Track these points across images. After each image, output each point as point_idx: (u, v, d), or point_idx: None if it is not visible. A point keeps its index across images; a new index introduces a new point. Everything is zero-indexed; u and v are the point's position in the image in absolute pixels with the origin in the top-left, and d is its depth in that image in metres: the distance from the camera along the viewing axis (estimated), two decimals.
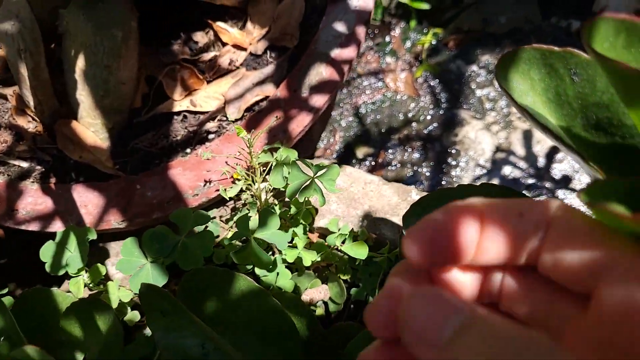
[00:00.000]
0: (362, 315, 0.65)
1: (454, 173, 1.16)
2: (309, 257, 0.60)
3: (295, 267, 0.63)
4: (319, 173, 0.54)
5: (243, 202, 0.66)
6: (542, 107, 0.35)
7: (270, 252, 0.63)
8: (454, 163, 1.16)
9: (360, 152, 1.20)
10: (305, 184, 0.54)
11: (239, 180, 0.59)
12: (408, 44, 1.30)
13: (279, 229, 0.56)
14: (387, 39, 1.31)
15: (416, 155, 1.19)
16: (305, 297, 0.59)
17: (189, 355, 0.43)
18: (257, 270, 0.60)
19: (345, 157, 1.21)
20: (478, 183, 0.49)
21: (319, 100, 0.65)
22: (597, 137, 0.33)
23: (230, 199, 0.66)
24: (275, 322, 0.47)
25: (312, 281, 0.62)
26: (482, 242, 0.21)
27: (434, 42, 1.28)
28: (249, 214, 0.63)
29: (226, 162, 0.63)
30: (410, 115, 1.22)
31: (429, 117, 1.21)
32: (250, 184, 0.60)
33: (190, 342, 0.42)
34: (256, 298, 0.47)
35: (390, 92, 1.26)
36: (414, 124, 1.21)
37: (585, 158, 0.29)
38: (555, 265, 0.20)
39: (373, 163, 1.20)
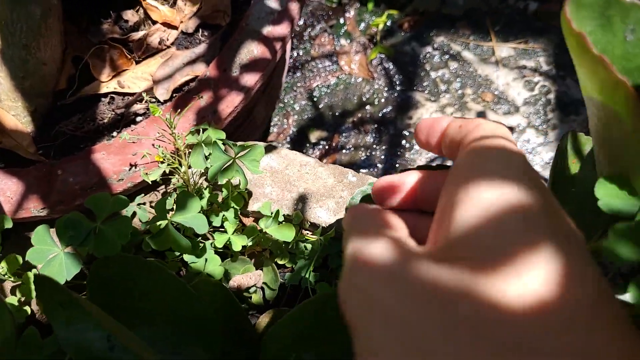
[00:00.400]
0: (299, 301, 0.64)
1: (409, 156, 1.15)
2: (239, 242, 0.58)
3: (229, 252, 0.61)
4: (241, 153, 0.51)
5: (173, 186, 0.63)
6: None
7: (201, 238, 0.60)
8: (408, 146, 1.15)
9: (314, 136, 1.18)
10: (226, 165, 0.51)
11: (162, 163, 0.56)
12: (362, 25, 1.27)
13: (206, 215, 0.54)
14: (342, 20, 1.28)
15: (370, 138, 1.17)
16: (233, 283, 0.57)
17: (93, 349, 0.40)
18: (186, 257, 0.58)
19: (299, 141, 1.18)
20: (434, 164, 0.48)
21: (250, 80, 0.63)
22: None
23: (158, 183, 0.63)
24: (191, 311, 0.45)
25: (245, 267, 0.60)
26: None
27: (388, 24, 1.26)
28: (174, 199, 0.60)
29: (153, 145, 0.60)
30: (364, 98, 1.20)
31: (383, 100, 1.19)
32: (177, 168, 0.58)
33: (94, 335, 0.40)
34: (170, 286, 0.44)
35: (345, 74, 1.24)
36: (368, 107, 1.20)
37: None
38: None
39: (327, 147, 1.18)
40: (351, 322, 0.22)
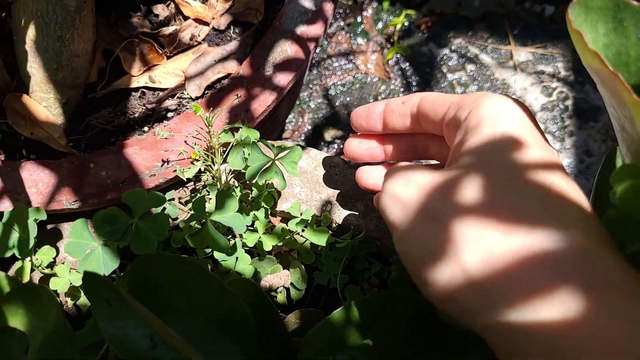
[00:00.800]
0: (323, 302, 0.64)
1: None
2: (270, 242, 0.58)
3: (257, 251, 0.61)
4: (280, 155, 0.52)
5: (203, 183, 0.63)
6: None
7: (231, 236, 0.61)
8: None
9: (329, 134, 1.18)
10: (266, 166, 0.51)
11: (197, 160, 0.57)
12: (380, 25, 1.27)
13: (238, 212, 0.54)
14: (359, 19, 1.28)
15: None
16: (264, 283, 0.57)
17: (136, 347, 0.40)
18: (216, 255, 0.58)
19: (314, 139, 1.19)
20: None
21: (283, 79, 0.63)
22: None
23: (189, 180, 0.63)
24: (229, 310, 0.45)
25: (273, 266, 0.61)
26: (385, 119, 0.46)
27: (406, 24, 1.26)
28: (208, 196, 0.60)
29: (185, 142, 0.61)
30: (380, 98, 1.21)
31: None
32: (210, 165, 0.58)
33: (137, 332, 0.40)
34: (209, 285, 0.45)
35: (361, 73, 1.24)
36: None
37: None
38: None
39: (342, 146, 1.18)
40: (386, 219, 0.35)
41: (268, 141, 0.54)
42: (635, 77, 0.31)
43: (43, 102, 0.65)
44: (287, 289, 0.62)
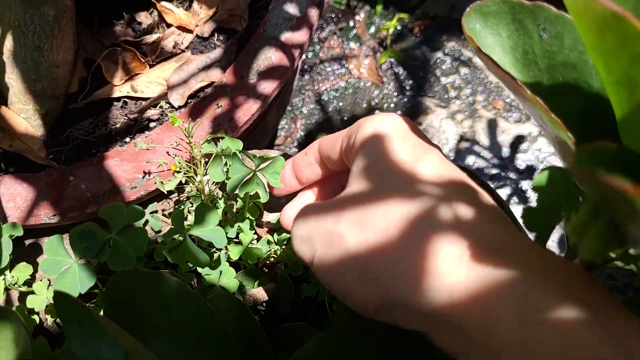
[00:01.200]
0: (312, 315, 0.62)
1: None
2: (255, 254, 0.57)
3: (243, 263, 0.59)
4: (262, 166, 0.50)
5: (187, 195, 0.62)
6: (510, 66, 0.34)
7: (215, 249, 0.59)
8: None
9: None
10: (247, 178, 0.50)
11: (178, 172, 0.55)
12: (372, 29, 1.26)
13: (221, 225, 0.52)
14: (351, 23, 1.27)
15: None
16: (249, 296, 0.56)
17: None
18: (199, 269, 0.56)
19: (306, 145, 1.17)
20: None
21: (268, 87, 0.61)
22: (564, 100, 0.32)
23: (171, 192, 0.61)
24: (210, 328, 0.44)
25: (260, 279, 0.59)
26: (297, 175, 0.48)
27: (399, 28, 1.25)
28: (188, 209, 0.59)
29: (167, 153, 0.59)
30: (373, 102, 1.19)
31: (392, 105, 1.18)
32: (192, 176, 0.56)
33: (111, 354, 0.39)
34: (188, 302, 0.43)
35: (354, 78, 1.22)
36: (377, 112, 1.18)
37: (553, 118, 0.26)
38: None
39: None
40: (301, 259, 0.36)
41: (250, 151, 0.52)
42: (547, 74, 0.32)
43: (22, 114, 0.63)
44: (274, 302, 0.61)
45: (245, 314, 0.51)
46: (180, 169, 0.55)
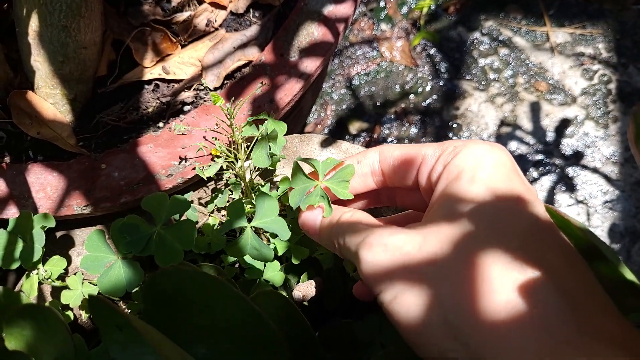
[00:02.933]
0: (360, 311, 0.58)
1: None
2: (302, 254, 0.52)
3: (286, 256, 0.55)
4: (328, 176, 0.43)
5: (225, 182, 0.58)
6: None
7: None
8: (455, 138, 1.09)
9: (354, 127, 1.12)
10: (309, 190, 0.43)
11: (218, 157, 0.51)
12: (405, 9, 1.20)
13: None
14: (382, 3, 1.21)
15: (414, 130, 1.11)
16: (296, 292, 0.51)
17: None
18: (245, 262, 0.52)
19: (338, 132, 1.12)
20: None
21: (311, 65, 0.57)
22: None
23: (210, 179, 0.57)
24: (257, 330, 0.40)
25: (304, 273, 0.55)
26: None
27: (433, 7, 1.19)
28: (233, 197, 0.55)
29: (204, 137, 0.55)
30: (407, 87, 1.14)
31: (427, 89, 1.13)
32: (232, 162, 0.52)
33: None
34: (233, 304, 0.39)
35: (386, 62, 1.17)
36: (411, 97, 1.13)
37: None
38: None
39: (367, 139, 1.12)
40: (373, 289, 0.34)
41: (292, 135, 0.48)
42: None
43: (49, 99, 0.59)
44: (321, 298, 0.57)
45: (293, 313, 0.47)
46: (221, 153, 0.50)
